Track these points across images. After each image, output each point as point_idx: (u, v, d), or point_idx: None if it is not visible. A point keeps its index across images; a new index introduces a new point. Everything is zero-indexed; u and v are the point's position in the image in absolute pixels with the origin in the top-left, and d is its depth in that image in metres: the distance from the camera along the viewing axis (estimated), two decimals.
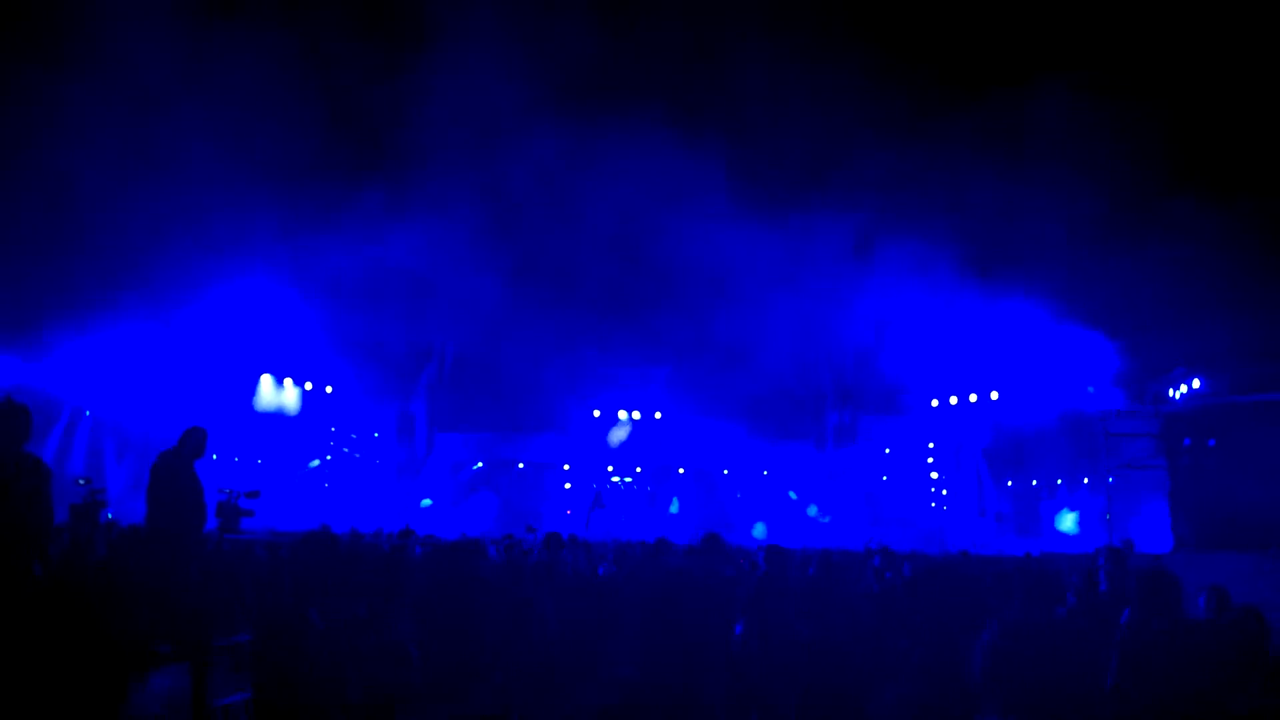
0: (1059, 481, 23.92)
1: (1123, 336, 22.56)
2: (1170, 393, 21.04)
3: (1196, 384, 20.60)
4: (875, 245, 23.30)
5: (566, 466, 24.51)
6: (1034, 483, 24.75)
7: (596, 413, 24.33)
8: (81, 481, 18.87)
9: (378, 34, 22.50)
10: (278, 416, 23.29)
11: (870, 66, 21.47)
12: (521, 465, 24.72)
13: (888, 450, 24.45)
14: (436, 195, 22.46)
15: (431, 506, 22.93)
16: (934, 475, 23.31)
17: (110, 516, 14.47)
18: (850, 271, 23.31)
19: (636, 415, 24.58)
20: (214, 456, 21.85)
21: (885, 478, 24.84)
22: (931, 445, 23.69)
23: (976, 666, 3.71)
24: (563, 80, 22.23)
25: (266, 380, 22.73)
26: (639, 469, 24.98)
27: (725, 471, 24.81)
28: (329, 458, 23.88)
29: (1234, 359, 19.58)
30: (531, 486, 24.60)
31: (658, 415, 24.63)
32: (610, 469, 24.85)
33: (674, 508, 24.65)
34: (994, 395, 21.97)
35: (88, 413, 22.87)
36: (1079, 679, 3.73)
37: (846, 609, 6.72)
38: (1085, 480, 23.14)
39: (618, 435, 24.40)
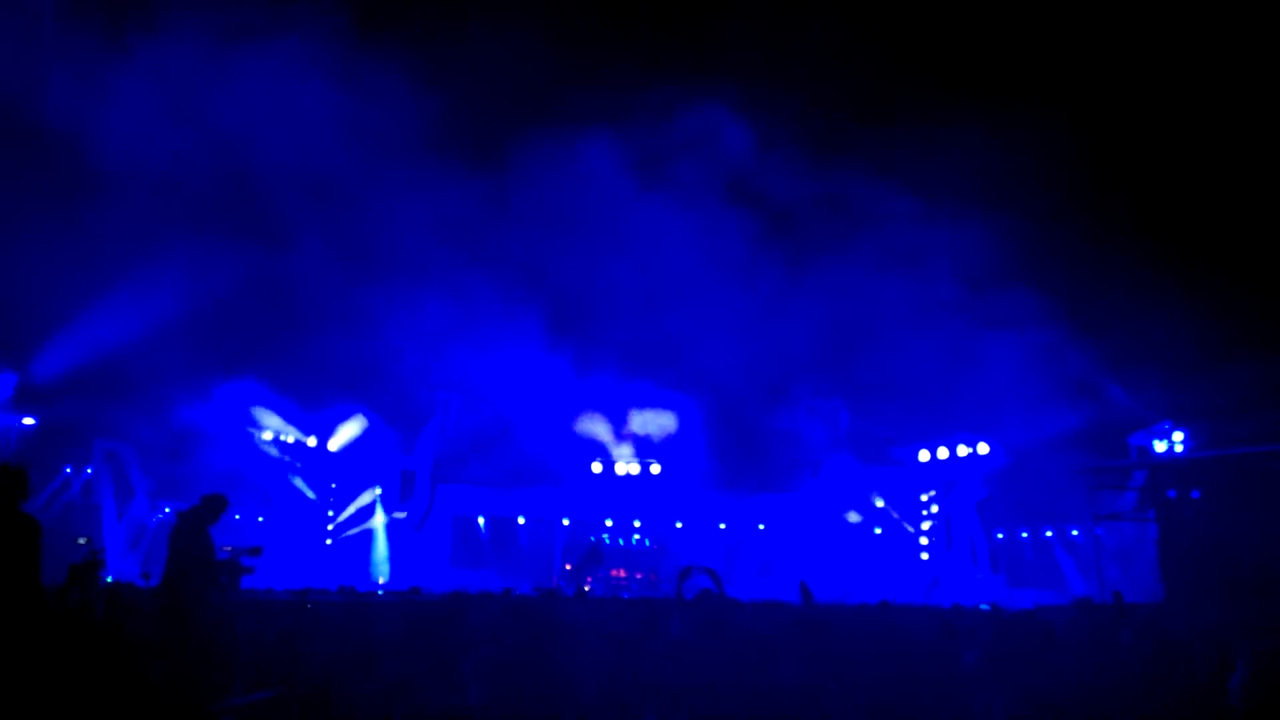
0: (1049, 534, 24.28)
1: (1107, 391, 23.17)
2: (1155, 446, 21.53)
3: (1179, 437, 21.07)
4: (860, 304, 23.98)
5: (566, 521, 24.73)
6: (1024, 534, 25.10)
7: (597, 466, 24.62)
8: (81, 541, 18.92)
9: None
10: (273, 472, 23.57)
11: None
12: (522, 520, 24.91)
13: (881, 503, 24.78)
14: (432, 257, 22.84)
15: (431, 563, 23.05)
16: (926, 526, 23.67)
17: (110, 579, 14.53)
18: (840, 326, 23.88)
19: (635, 469, 24.88)
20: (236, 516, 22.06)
21: (879, 530, 25.13)
22: (925, 498, 24.06)
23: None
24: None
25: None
26: (638, 523, 25.19)
27: (722, 525, 25.06)
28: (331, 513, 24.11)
29: (1216, 413, 20.12)
30: (532, 541, 24.79)
31: (655, 469, 24.93)
32: (609, 523, 25.05)
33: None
34: (982, 448, 22.44)
35: (89, 469, 22.92)
36: None
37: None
38: (1074, 532, 23.52)
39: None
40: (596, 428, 24.48)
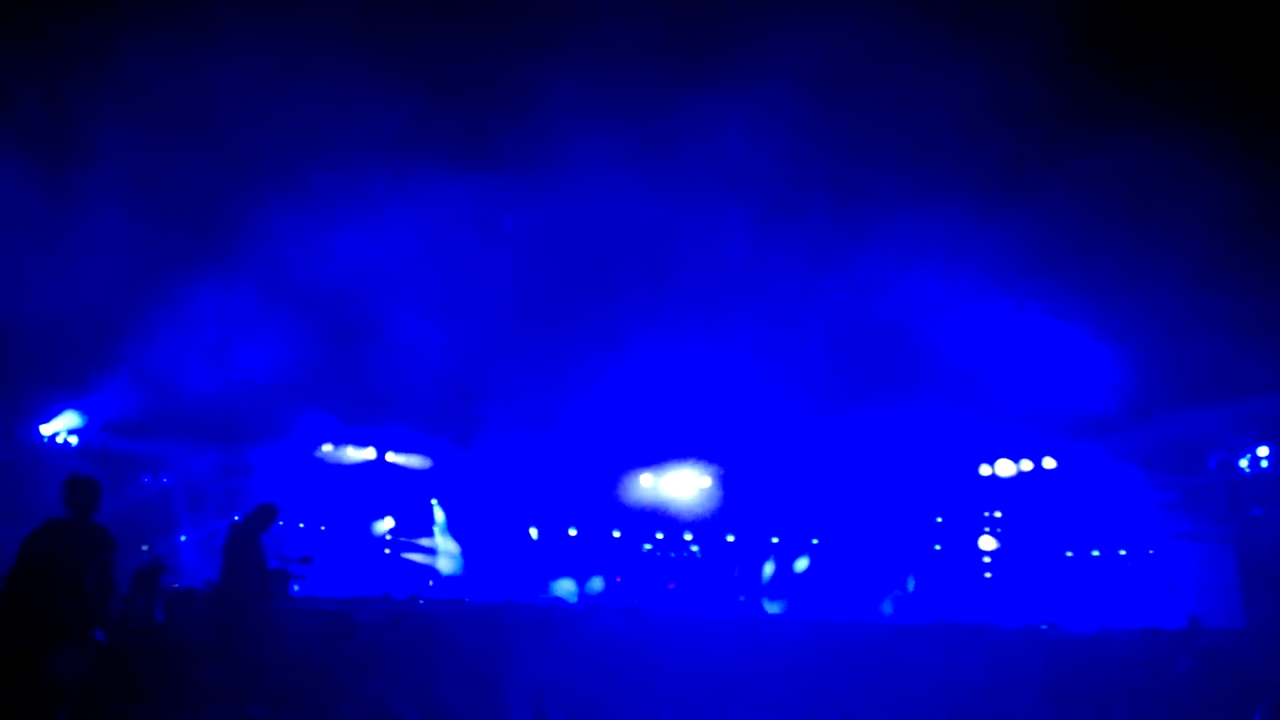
0: (1122, 553, 23.23)
1: (1186, 403, 21.96)
2: (1239, 461, 20.55)
3: (1264, 452, 20.10)
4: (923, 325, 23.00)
5: (616, 534, 24.78)
6: (1095, 554, 24.03)
7: (647, 479, 24.50)
8: (145, 548, 19.83)
9: None
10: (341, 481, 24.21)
11: None
12: (573, 532, 25.03)
13: (940, 519, 24.09)
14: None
15: (482, 573, 23.38)
16: (988, 544, 22.90)
17: (176, 586, 15.19)
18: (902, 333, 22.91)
19: (689, 485, 24.69)
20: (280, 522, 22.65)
21: (938, 547, 24.40)
22: (987, 515, 23.34)
23: None
24: None
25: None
26: (689, 535, 25.04)
27: (775, 540, 24.74)
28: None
29: None
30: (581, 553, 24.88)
31: (706, 483, 24.68)
32: (659, 535, 25.03)
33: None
34: (1049, 463, 21.57)
35: (165, 479, 23.91)
36: None
37: None
38: (1150, 551, 22.47)
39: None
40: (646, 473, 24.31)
